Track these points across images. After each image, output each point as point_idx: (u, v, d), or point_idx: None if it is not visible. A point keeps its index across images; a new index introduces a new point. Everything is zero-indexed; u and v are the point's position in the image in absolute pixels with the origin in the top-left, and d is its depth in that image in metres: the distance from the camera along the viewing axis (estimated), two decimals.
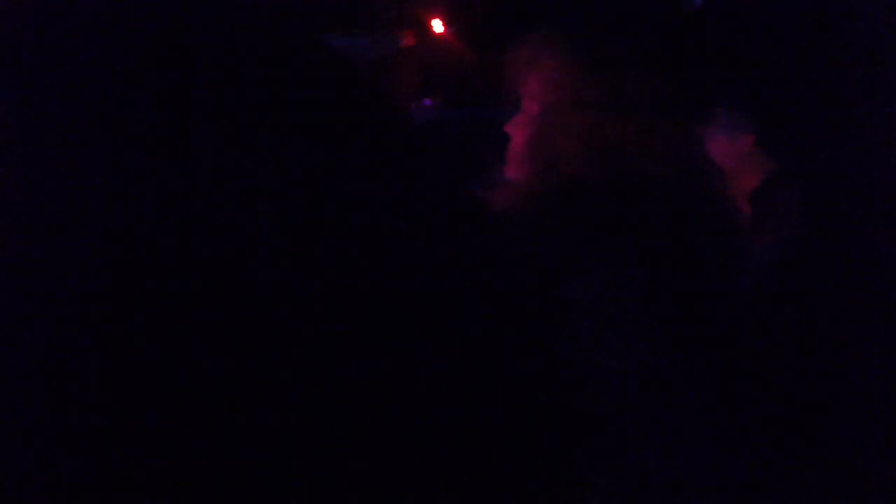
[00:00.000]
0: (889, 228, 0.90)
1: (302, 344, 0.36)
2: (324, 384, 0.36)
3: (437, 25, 4.54)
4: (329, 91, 0.45)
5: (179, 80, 0.38)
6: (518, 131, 1.01)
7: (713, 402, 0.79)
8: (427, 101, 5.38)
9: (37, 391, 0.31)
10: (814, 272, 0.89)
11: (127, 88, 0.36)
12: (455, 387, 0.40)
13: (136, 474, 0.31)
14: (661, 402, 0.77)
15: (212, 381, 0.33)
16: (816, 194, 0.94)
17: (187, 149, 0.36)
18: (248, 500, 0.33)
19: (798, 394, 0.83)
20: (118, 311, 0.33)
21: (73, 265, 0.33)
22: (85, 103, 0.36)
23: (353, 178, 0.42)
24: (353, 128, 0.44)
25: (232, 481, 0.33)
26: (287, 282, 0.36)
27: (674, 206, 0.86)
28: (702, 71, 0.98)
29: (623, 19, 0.98)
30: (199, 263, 0.34)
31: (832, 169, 0.94)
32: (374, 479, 0.36)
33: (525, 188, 0.95)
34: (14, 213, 0.33)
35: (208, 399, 0.33)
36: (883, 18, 0.97)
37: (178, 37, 0.40)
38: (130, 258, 0.33)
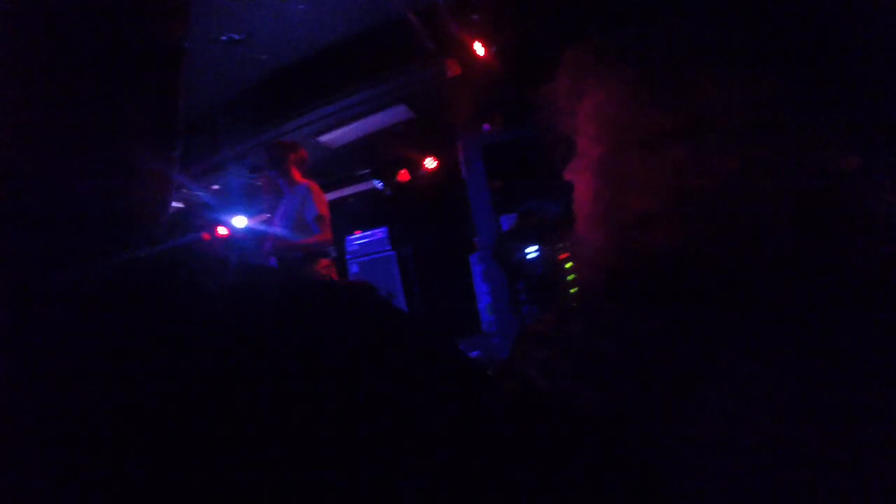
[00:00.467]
0: None
1: None
2: None
3: (479, 48, 4.38)
4: None
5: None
6: (581, 181, 0.75)
7: None
8: (486, 126, 5.20)
9: None
10: None
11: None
12: None
13: None
14: None
15: None
16: None
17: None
18: None
19: None
20: None
21: None
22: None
23: None
24: None
25: None
26: None
27: (826, 283, 0.52)
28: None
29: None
30: None
31: None
32: None
33: (604, 259, 0.68)
34: None
35: None
36: None
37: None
38: None
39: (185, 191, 7.12)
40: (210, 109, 5.87)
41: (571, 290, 4.65)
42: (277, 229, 3.86)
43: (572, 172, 0.76)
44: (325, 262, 3.85)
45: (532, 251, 4.89)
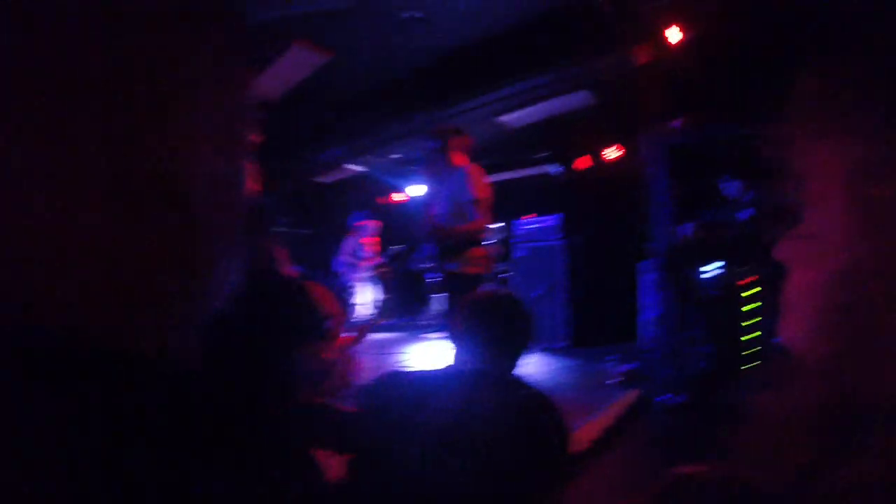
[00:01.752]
0: None
1: None
2: None
3: (674, 34, 3.81)
4: None
5: None
6: (801, 268, 0.52)
7: None
8: (675, 123, 4.60)
9: None
10: None
11: None
12: None
13: None
14: None
15: None
16: None
17: None
18: None
19: None
20: None
21: None
22: None
23: None
24: None
25: None
26: None
27: None
28: None
29: None
30: None
31: None
32: None
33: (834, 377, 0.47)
34: None
35: None
36: None
37: None
38: None
39: (368, 156, 7.50)
40: (397, 80, 6.03)
41: (746, 323, 4.00)
42: (436, 213, 3.82)
43: (787, 253, 0.54)
44: (479, 251, 3.72)
45: (709, 269, 4.28)
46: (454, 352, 1.69)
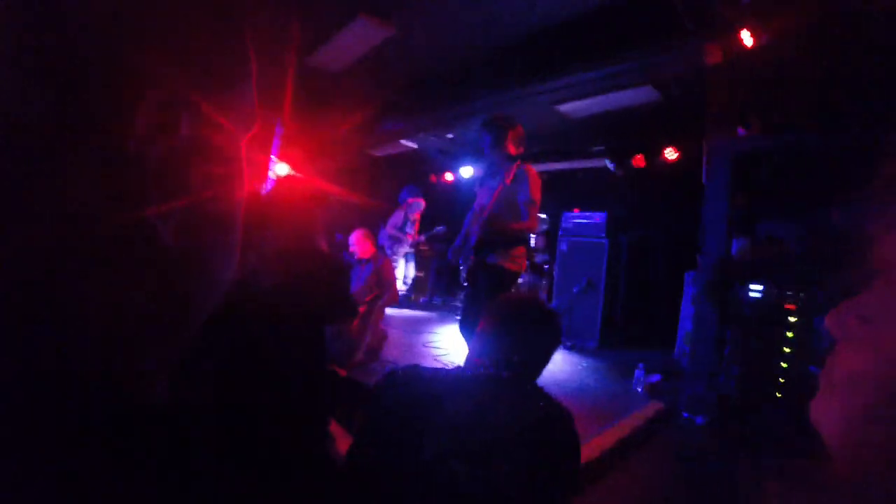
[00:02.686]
0: None
1: None
2: None
3: (747, 37, 3.58)
4: None
5: None
6: (849, 349, 0.47)
7: None
8: (740, 131, 4.36)
9: None
10: None
11: None
12: None
13: None
14: None
15: None
16: None
17: None
18: None
19: None
20: None
21: None
22: None
23: None
24: None
25: None
26: None
27: None
28: None
29: None
30: None
31: None
32: None
33: None
34: None
35: None
36: None
37: None
38: None
39: (420, 134, 7.47)
40: (459, 61, 5.96)
41: (784, 350, 3.80)
42: (485, 202, 3.77)
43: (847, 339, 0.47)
44: (521, 249, 3.68)
45: (756, 289, 4.07)
46: (468, 347, 1.65)
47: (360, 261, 4.92)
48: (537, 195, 3.57)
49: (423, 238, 7.94)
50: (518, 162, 3.64)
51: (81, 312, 0.31)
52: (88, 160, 0.31)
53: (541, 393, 1.45)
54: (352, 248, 5.01)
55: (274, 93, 6.07)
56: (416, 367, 1.53)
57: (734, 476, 3.51)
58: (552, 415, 1.38)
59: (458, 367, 1.56)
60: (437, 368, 1.55)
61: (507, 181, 3.59)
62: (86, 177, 0.31)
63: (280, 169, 6.93)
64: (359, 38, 5.43)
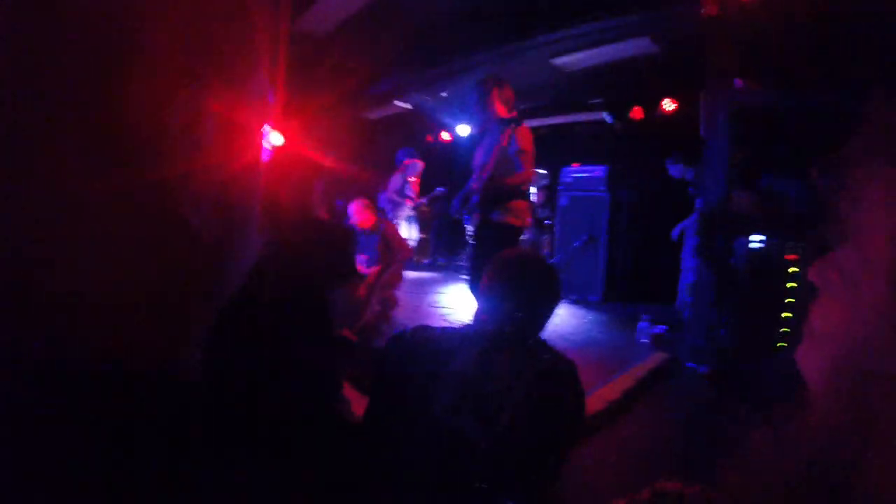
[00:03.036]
0: None
1: None
2: None
3: None
4: None
5: None
6: (829, 298, 0.60)
7: None
8: (737, 82, 4.30)
9: None
10: None
11: None
12: None
13: None
14: None
15: None
16: None
17: None
18: None
19: None
20: None
21: None
22: None
23: None
24: None
25: None
26: None
27: None
28: None
29: None
30: None
31: None
32: None
33: None
34: None
35: None
36: None
37: None
38: None
39: (414, 94, 7.36)
40: (451, 16, 5.81)
41: (787, 301, 3.86)
42: (483, 161, 3.77)
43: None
44: (523, 203, 3.70)
45: (755, 240, 4.10)
46: (475, 306, 1.69)
47: (363, 231, 4.96)
48: (527, 146, 3.60)
49: (424, 201, 7.92)
50: (512, 125, 3.62)
51: (129, 294, 0.35)
52: (121, 155, 0.34)
53: (545, 346, 1.50)
54: (352, 220, 5.01)
55: (263, 61, 5.95)
56: (424, 326, 1.57)
57: (728, 422, 3.62)
58: (556, 367, 1.43)
59: (465, 325, 1.61)
60: (443, 327, 1.59)
61: (504, 143, 3.59)
62: (121, 172, 0.34)
63: (275, 139, 6.86)
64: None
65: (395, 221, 8.05)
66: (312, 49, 6.11)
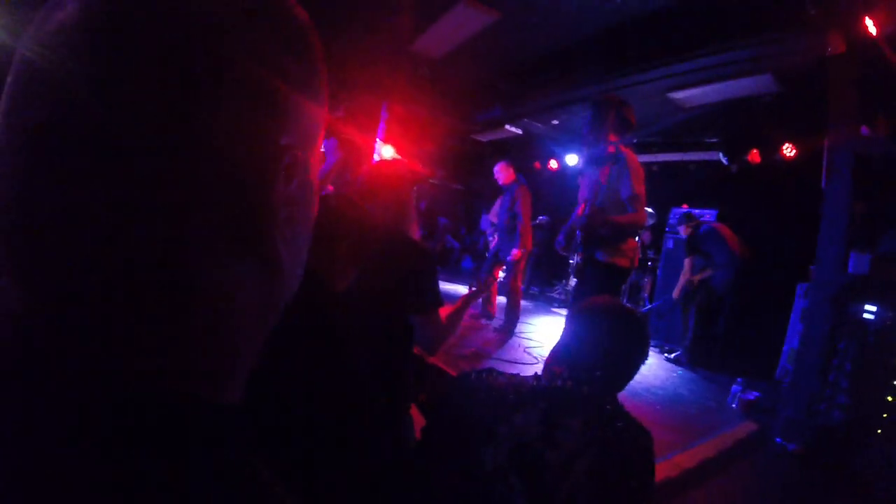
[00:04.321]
0: None
1: None
2: None
3: (871, 26, 3.09)
4: None
5: None
6: None
7: None
8: (864, 129, 3.82)
9: None
10: None
11: None
12: None
13: None
14: None
15: None
16: None
17: None
18: None
19: None
20: None
21: None
22: None
23: None
24: None
25: None
26: None
27: None
28: None
29: None
30: None
31: None
32: None
33: None
34: None
35: None
36: None
37: None
38: None
39: (526, 120, 7.32)
40: (567, 46, 5.75)
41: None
42: (587, 195, 3.55)
43: None
44: (631, 242, 3.45)
45: (870, 311, 3.59)
46: (551, 349, 1.56)
47: (501, 188, 6.01)
48: (641, 188, 3.30)
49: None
50: (620, 151, 3.34)
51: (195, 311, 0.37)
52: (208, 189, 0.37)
53: (620, 411, 1.31)
54: (496, 176, 5.95)
55: (380, 78, 6.25)
56: (492, 371, 1.44)
57: None
58: (629, 437, 1.26)
59: (535, 376, 1.41)
60: (513, 375, 1.43)
61: (608, 172, 3.35)
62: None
63: (385, 151, 7.15)
64: (461, 23, 5.41)
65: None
66: (428, 69, 6.32)
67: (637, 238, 3.47)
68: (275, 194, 0.37)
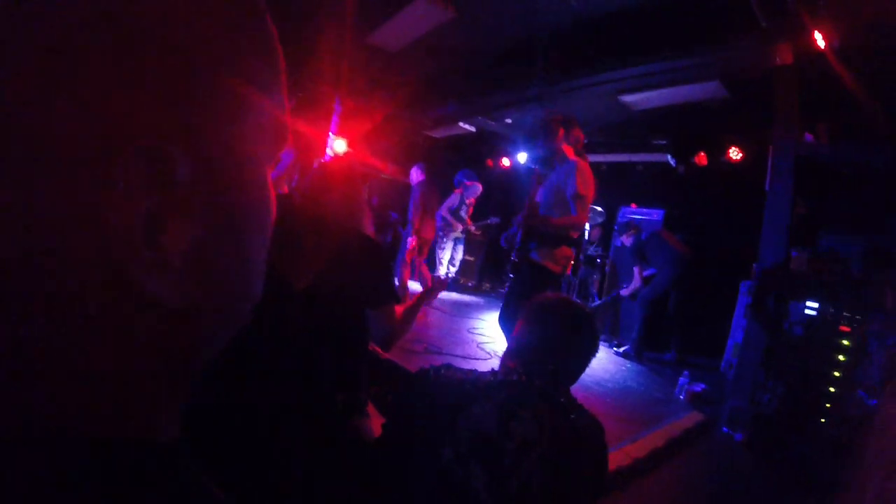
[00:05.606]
0: None
1: None
2: None
3: (820, 40, 3.30)
4: None
5: None
6: None
7: None
8: (807, 136, 4.06)
9: None
10: None
11: None
12: None
13: None
14: None
15: None
16: None
17: None
18: None
19: None
20: None
21: None
22: None
23: None
24: None
25: None
26: None
27: None
28: None
29: None
30: None
31: None
32: None
33: None
34: None
35: None
36: None
37: None
38: None
39: (479, 118, 7.37)
40: (521, 45, 5.82)
41: (833, 374, 3.56)
42: (540, 200, 3.70)
43: None
44: (566, 250, 3.59)
45: (811, 307, 3.82)
46: (503, 349, 1.59)
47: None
48: (586, 190, 3.45)
49: (474, 228, 7.89)
50: (571, 160, 3.54)
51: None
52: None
53: (573, 403, 1.37)
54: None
55: (333, 70, 6.13)
56: (450, 367, 1.47)
57: (761, 498, 3.36)
58: (581, 427, 1.31)
59: (492, 371, 1.45)
60: (469, 370, 1.47)
61: (559, 177, 3.52)
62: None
63: (338, 146, 7.03)
64: (418, 19, 5.39)
65: (443, 239, 8.05)
66: (382, 64, 6.26)
67: (573, 247, 3.60)
68: (114, 206, 0.28)
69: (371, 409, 1.91)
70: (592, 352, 1.49)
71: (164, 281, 0.30)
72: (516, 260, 3.63)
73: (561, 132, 3.61)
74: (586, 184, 3.45)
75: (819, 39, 3.25)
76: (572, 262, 3.73)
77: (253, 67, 0.34)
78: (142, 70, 0.28)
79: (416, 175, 6.79)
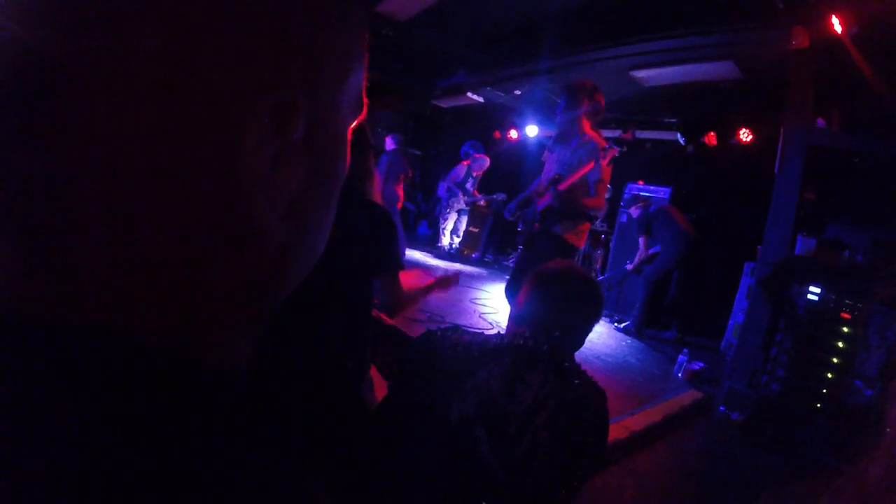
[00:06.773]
0: None
1: None
2: None
3: (837, 24, 3.25)
4: None
5: None
6: None
7: None
8: (819, 121, 4.04)
9: None
10: None
11: None
12: None
13: None
14: None
15: None
16: None
17: None
18: None
19: None
20: None
21: None
22: None
23: None
24: None
25: None
26: None
27: None
28: None
29: None
30: None
31: None
32: None
33: None
34: None
35: None
36: None
37: None
38: None
39: (488, 89, 7.29)
40: (534, 17, 5.72)
41: (834, 360, 3.63)
42: (557, 171, 3.65)
43: None
44: (587, 225, 3.61)
45: (815, 291, 3.86)
46: (509, 315, 1.62)
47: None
48: (607, 176, 3.55)
49: (482, 199, 7.88)
50: (592, 139, 3.52)
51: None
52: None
53: (577, 370, 1.40)
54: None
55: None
56: (457, 328, 1.50)
57: (756, 477, 3.47)
58: (585, 394, 1.34)
59: (499, 335, 1.50)
60: (476, 333, 1.51)
61: (579, 155, 3.51)
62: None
63: None
64: None
65: (447, 210, 8.04)
66: (392, 32, 6.16)
67: (593, 221, 3.65)
68: (248, 149, 0.31)
69: (374, 376, 1.96)
70: (597, 317, 1.53)
71: (275, 217, 0.34)
72: (530, 232, 3.65)
73: (585, 103, 3.53)
74: (608, 171, 3.55)
75: (836, 24, 3.21)
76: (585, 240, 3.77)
77: (355, 42, 0.39)
78: (287, 30, 0.32)
79: (389, 143, 6.90)
